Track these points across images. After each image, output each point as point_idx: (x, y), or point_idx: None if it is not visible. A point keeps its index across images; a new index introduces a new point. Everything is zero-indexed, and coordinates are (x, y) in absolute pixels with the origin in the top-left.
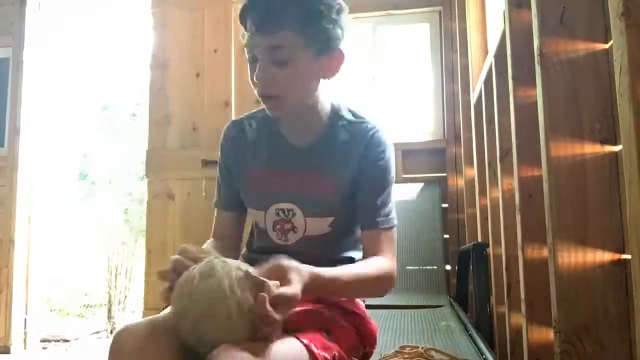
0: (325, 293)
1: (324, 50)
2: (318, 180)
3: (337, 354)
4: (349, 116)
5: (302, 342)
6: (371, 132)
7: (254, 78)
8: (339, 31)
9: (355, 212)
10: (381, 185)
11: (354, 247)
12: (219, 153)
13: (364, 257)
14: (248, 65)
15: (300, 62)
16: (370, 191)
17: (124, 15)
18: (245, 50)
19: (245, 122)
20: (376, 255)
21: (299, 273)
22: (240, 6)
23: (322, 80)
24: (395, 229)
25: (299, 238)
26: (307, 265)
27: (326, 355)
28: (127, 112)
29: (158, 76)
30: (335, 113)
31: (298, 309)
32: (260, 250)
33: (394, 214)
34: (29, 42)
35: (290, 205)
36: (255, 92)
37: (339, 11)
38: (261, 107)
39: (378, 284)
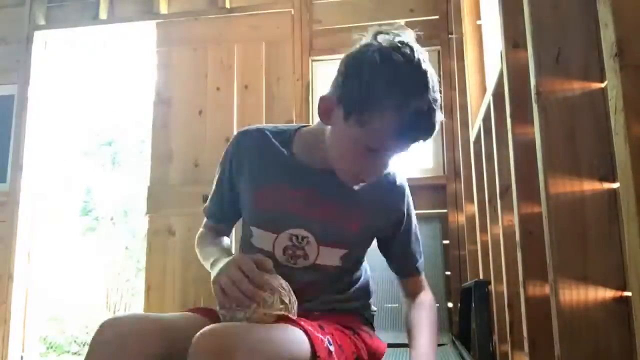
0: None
1: None
2: (347, 212)
3: (337, 339)
4: None
5: (300, 325)
6: (402, 187)
7: (366, 165)
8: None
9: (391, 259)
10: (415, 235)
11: (355, 282)
12: (224, 161)
13: (408, 296)
14: (358, 149)
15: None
16: (407, 243)
17: (129, 54)
18: (373, 144)
19: (269, 134)
20: (418, 292)
21: None
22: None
23: None
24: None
25: (308, 265)
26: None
27: (323, 338)
28: (131, 149)
29: (161, 113)
30: None
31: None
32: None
33: (422, 259)
34: (35, 79)
35: (306, 232)
36: (353, 170)
37: None
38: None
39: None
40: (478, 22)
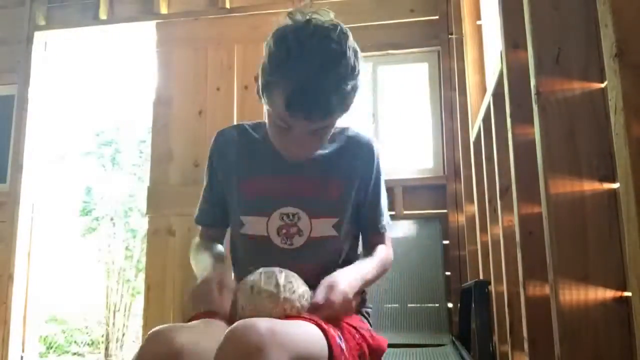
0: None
1: (345, 112)
2: (326, 183)
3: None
4: (343, 130)
5: (319, 325)
6: (370, 147)
7: (290, 142)
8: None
9: (360, 218)
10: (383, 194)
11: (354, 251)
12: (208, 163)
13: (369, 249)
14: (275, 127)
15: (331, 127)
16: (375, 201)
17: (129, 54)
18: (279, 121)
19: (247, 127)
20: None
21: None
22: (289, 93)
23: None
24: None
25: (304, 241)
26: (342, 277)
27: (334, 334)
28: (131, 149)
29: (161, 113)
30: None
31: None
32: (262, 258)
33: (389, 219)
34: (35, 80)
35: (295, 209)
36: (282, 148)
37: (358, 75)
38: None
39: (384, 270)
40: (478, 22)
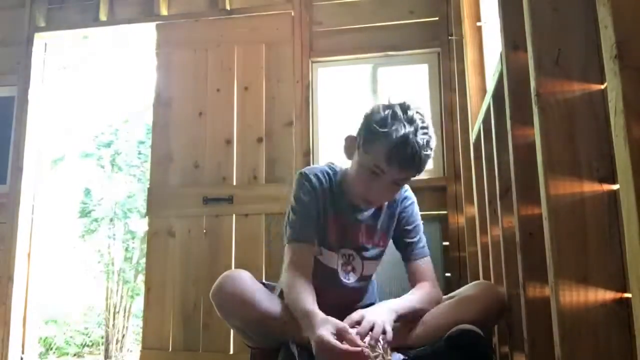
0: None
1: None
2: (374, 233)
3: None
4: None
5: None
6: (403, 192)
7: (372, 189)
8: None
9: (403, 250)
10: (418, 226)
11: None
12: (306, 192)
13: (413, 282)
14: (361, 171)
15: (405, 183)
16: (412, 232)
17: (129, 55)
18: (374, 168)
19: (322, 175)
20: (421, 282)
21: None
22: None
23: None
24: (430, 258)
25: (358, 277)
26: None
27: None
28: (131, 150)
29: (161, 114)
30: None
31: None
32: (328, 286)
33: (426, 246)
34: (35, 81)
35: (351, 251)
36: (362, 193)
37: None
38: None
39: (431, 303)
40: (478, 23)
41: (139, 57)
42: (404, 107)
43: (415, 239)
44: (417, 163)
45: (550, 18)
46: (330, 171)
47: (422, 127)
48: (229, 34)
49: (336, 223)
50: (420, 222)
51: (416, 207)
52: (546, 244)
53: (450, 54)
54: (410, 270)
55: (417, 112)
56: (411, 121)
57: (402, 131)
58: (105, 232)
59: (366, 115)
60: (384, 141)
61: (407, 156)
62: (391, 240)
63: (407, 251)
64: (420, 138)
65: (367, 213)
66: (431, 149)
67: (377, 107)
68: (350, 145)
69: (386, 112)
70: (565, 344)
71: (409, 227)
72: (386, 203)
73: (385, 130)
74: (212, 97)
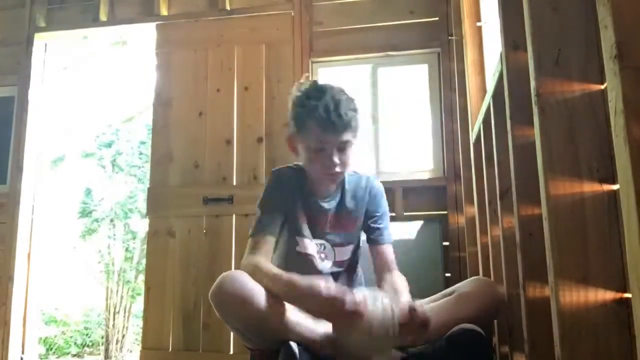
0: None
1: (356, 137)
2: (342, 219)
3: None
4: (350, 172)
5: None
6: (370, 182)
7: (324, 162)
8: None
9: (369, 232)
10: (384, 214)
11: (358, 265)
12: (271, 189)
13: (378, 267)
14: (309, 154)
15: (351, 148)
16: (378, 219)
17: (129, 55)
18: (313, 144)
19: (290, 172)
20: (391, 270)
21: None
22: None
23: None
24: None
25: (332, 263)
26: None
27: None
28: (131, 150)
29: (161, 114)
30: None
31: None
32: (306, 274)
33: (391, 235)
34: (35, 81)
35: (322, 240)
36: (319, 171)
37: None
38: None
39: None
40: (478, 23)
41: (139, 57)
42: (315, 85)
43: (381, 225)
44: (348, 122)
45: (550, 18)
46: (298, 168)
47: (337, 92)
48: (229, 34)
49: (305, 214)
50: (386, 210)
51: (383, 196)
52: (546, 244)
53: (450, 54)
54: (376, 254)
55: (326, 84)
56: (323, 91)
57: (320, 102)
58: (106, 232)
59: (290, 110)
60: (310, 116)
61: (335, 120)
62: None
63: (373, 235)
64: (339, 99)
65: (332, 202)
66: (353, 103)
67: (293, 97)
68: (291, 143)
69: (302, 95)
70: (565, 344)
71: (377, 214)
72: (351, 189)
73: (307, 108)
74: (212, 97)
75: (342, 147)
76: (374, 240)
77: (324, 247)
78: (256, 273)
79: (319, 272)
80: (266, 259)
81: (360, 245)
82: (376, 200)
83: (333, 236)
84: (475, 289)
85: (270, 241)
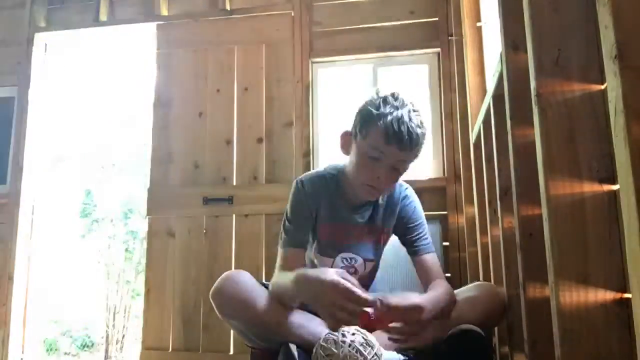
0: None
1: (413, 162)
2: (375, 232)
3: None
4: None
5: None
6: (402, 194)
7: (374, 173)
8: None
9: (408, 245)
10: (421, 224)
11: (373, 280)
12: (298, 200)
13: (422, 279)
14: (362, 159)
15: (405, 170)
16: (415, 229)
17: (129, 56)
18: (370, 150)
19: (318, 180)
20: (434, 280)
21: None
22: (389, 131)
23: None
24: (435, 254)
25: (357, 278)
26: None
27: None
28: (131, 150)
29: (161, 115)
30: None
31: None
32: None
33: (431, 243)
34: (35, 81)
35: (353, 255)
36: (364, 179)
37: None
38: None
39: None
40: (478, 24)
41: (139, 57)
42: (394, 94)
43: (419, 235)
44: (414, 141)
45: (550, 18)
46: (328, 175)
47: (414, 110)
48: (229, 35)
49: (334, 225)
50: (423, 220)
51: (418, 205)
52: (546, 244)
53: (450, 54)
54: (417, 265)
55: (407, 98)
56: (403, 103)
57: (395, 112)
58: (106, 232)
59: (360, 108)
60: (380, 122)
61: (403, 134)
62: (397, 241)
63: (412, 247)
64: (414, 117)
65: (366, 214)
66: (425, 129)
67: (369, 97)
68: (346, 140)
69: (378, 99)
70: (565, 345)
71: (412, 225)
72: (384, 201)
73: (380, 111)
74: (212, 97)
75: (397, 166)
76: (415, 251)
77: (355, 262)
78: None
79: None
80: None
81: (379, 261)
82: (410, 212)
83: (365, 249)
84: (479, 293)
85: (300, 255)
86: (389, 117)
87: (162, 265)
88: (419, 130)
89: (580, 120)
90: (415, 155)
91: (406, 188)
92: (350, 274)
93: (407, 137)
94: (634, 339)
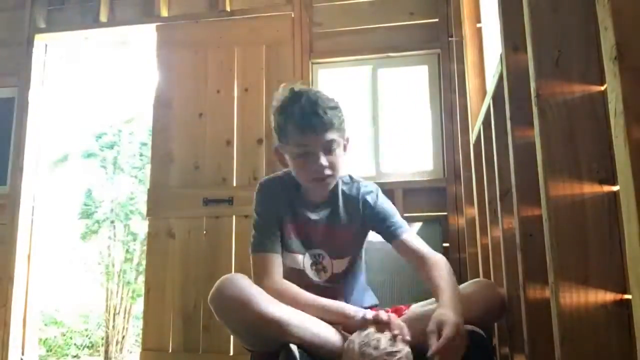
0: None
1: (343, 138)
2: (341, 229)
3: None
4: (345, 179)
5: None
6: (361, 189)
7: (311, 167)
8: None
9: (383, 235)
10: (387, 210)
11: (360, 273)
12: (262, 202)
13: (408, 257)
14: (295, 161)
15: (339, 149)
16: (384, 218)
17: (129, 57)
18: (296, 149)
19: (277, 182)
20: (422, 257)
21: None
22: (294, 117)
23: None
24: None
25: (329, 276)
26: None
27: None
28: (132, 151)
29: (162, 115)
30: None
31: None
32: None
33: (406, 224)
34: (35, 82)
35: (319, 250)
36: (307, 177)
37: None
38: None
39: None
40: (478, 25)
41: (139, 58)
42: (292, 90)
43: (390, 223)
44: (327, 119)
45: (550, 19)
46: (286, 177)
47: (312, 93)
48: (229, 35)
49: (297, 225)
50: (392, 210)
51: (382, 198)
52: (546, 245)
53: (450, 55)
54: (400, 249)
55: (303, 88)
56: (299, 93)
57: (296, 104)
58: (106, 233)
59: (272, 120)
60: (289, 122)
61: (312, 119)
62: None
63: (386, 234)
64: (317, 98)
65: (325, 212)
66: (334, 100)
67: (273, 107)
68: (279, 155)
69: (279, 103)
70: (565, 345)
71: (378, 216)
72: (343, 198)
73: (285, 113)
74: (212, 98)
75: (328, 148)
76: (390, 237)
77: (322, 258)
78: (284, 297)
79: (312, 285)
80: (283, 280)
81: (363, 255)
82: (372, 204)
83: (330, 246)
84: (477, 291)
85: (277, 258)
86: (294, 113)
87: (162, 266)
88: (326, 107)
89: (580, 121)
90: (338, 129)
91: (366, 185)
92: (318, 270)
93: (317, 120)
94: (634, 340)
